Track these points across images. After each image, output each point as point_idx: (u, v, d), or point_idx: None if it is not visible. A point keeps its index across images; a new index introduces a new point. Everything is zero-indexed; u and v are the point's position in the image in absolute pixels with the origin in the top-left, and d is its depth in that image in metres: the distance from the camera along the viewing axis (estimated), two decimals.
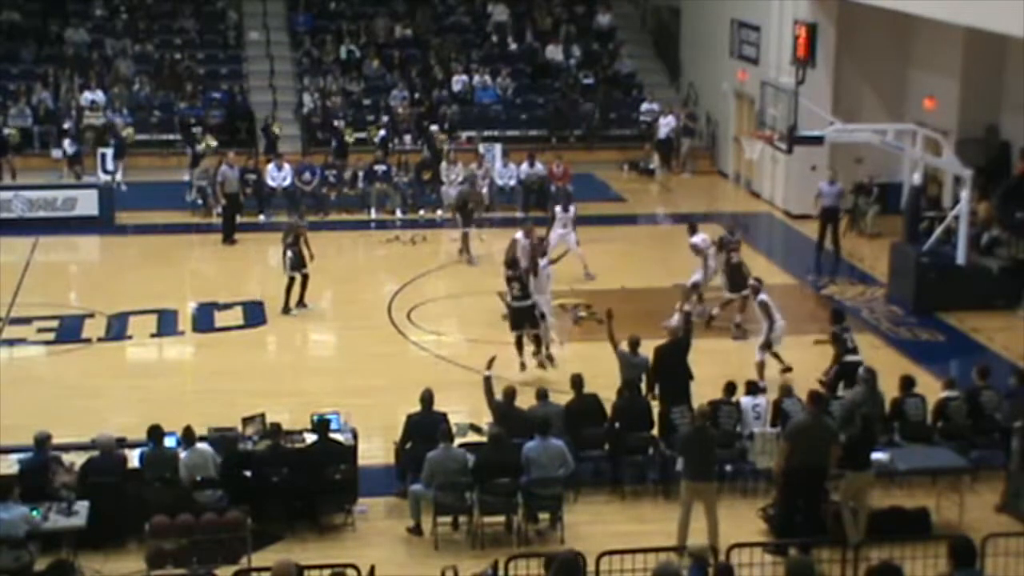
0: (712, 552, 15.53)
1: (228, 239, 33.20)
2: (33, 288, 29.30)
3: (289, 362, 25.98)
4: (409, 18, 46.26)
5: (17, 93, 40.67)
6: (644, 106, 42.83)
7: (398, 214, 35.90)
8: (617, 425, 20.02)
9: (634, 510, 19.32)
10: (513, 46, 45.62)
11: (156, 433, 18.39)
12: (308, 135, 41.18)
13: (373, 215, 35.87)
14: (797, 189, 36.25)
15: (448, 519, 18.50)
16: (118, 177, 37.26)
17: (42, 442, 18.07)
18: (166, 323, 27.29)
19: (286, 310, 27.67)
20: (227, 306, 28.29)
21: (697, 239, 27.73)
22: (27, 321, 27.18)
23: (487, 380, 19.83)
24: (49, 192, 35.13)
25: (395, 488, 19.37)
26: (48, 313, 27.66)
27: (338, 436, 19.07)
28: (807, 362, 24.22)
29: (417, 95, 42.62)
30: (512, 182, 37.14)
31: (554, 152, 38.71)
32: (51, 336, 26.55)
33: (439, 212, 35.68)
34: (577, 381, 20.41)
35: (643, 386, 21.29)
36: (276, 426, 19.05)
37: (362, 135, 40.10)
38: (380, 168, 36.46)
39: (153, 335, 26.85)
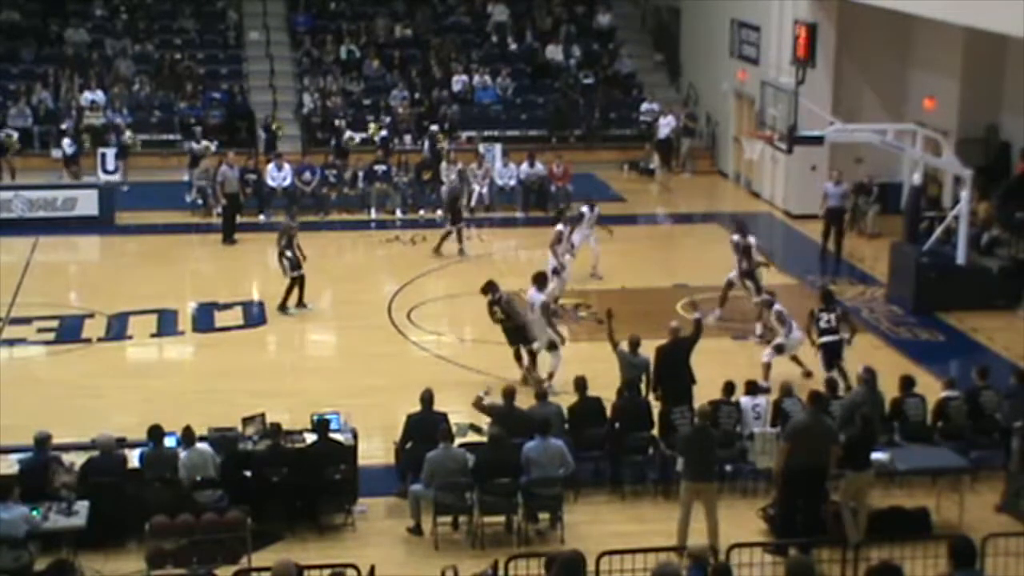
0: (712, 552, 15.56)
1: (228, 239, 33.20)
2: (33, 288, 29.30)
3: (289, 362, 25.99)
4: (409, 18, 46.27)
5: (17, 93, 40.67)
6: (644, 106, 42.84)
7: (398, 214, 35.91)
8: (617, 425, 20.02)
9: (634, 510, 19.33)
10: (513, 46, 45.62)
11: (156, 433, 18.40)
12: (308, 135, 41.18)
13: (373, 215, 35.88)
14: (797, 189, 36.27)
15: (448, 519, 18.51)
16: (118, 177, 37.23)
17: (42, 442, 18.07)
18: (166, 323, 27.30)
19: (283, 308, 27.67)
20: (227, 306, 28.30)
21: (735, 238, 27.54)
22: (27, 321, 27.19)
23: (480, 405, 19.84)
24: (49, 192, 35.15)
25: (395, 488, 19.38)
26: (48, 313, 27.67)
27: (338, 436, 19.08)
28: (808, 363, 24.21)
29: (417, 95, 42.62)
30: (512, 182, 37.15)
31: (554, 152, 38.73)
32: (51, 336, 26.55)
33: (439, 212, 35.68)
34: (580, 384, 20.42)
35: (643, 386, 21.28)
36: (276, 426, 19.05)
37: (362, 135, 40.07)
38: (380, 168, 36.47)
39: (153, 335, 26.87)
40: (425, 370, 23.84)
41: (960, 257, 28.15)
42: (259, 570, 15.36)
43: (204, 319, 27.66)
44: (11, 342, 26.29)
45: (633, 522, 18.77)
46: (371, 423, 20.93)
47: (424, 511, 18.29)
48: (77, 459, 18.25)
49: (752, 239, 27.30)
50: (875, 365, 20.69)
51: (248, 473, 18.66)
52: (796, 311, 27.79)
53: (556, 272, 27.46)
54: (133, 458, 18.46)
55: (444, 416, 19.37)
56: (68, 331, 26.85)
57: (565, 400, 20.56)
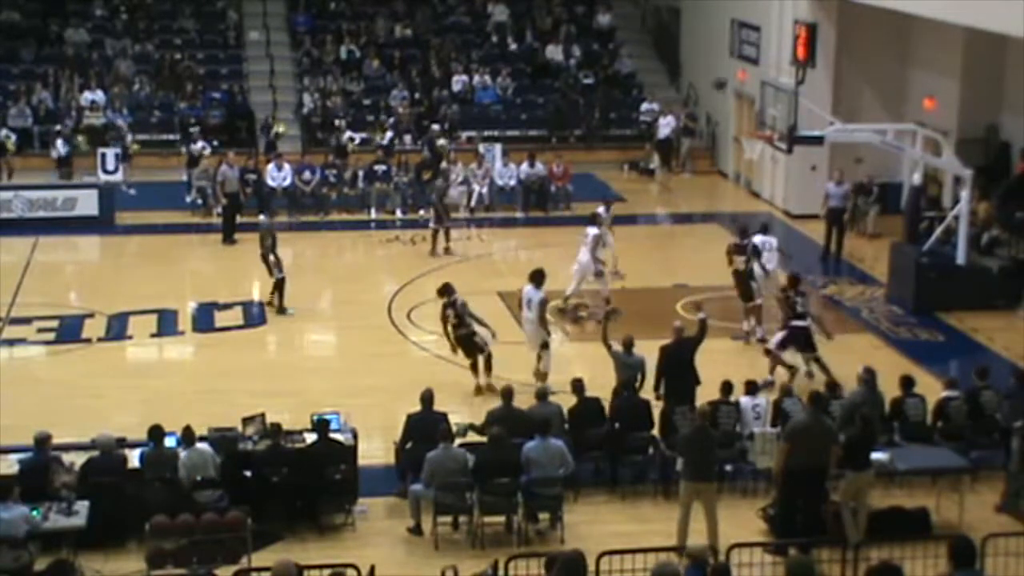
0: (712, 552, 15.56)
1: (228, 239, 33.20)
2: (33, 288, 29.30)
3: (289, 362, 25.98)
4: (409, 18, 46.26)
5: (17, 93, 40.67)
6: (644, 106, 42.84)
7: (398, 214, 35.91)
8: (617, 425, 20.02)
9: (634, 510, 19.33)
10: (513, 46, 45.62)
11: (156, 433, 18.40)
12: (308, 135, 41.18)
13: (373, 215, 35.87)
14: (797, 189, 36.28)
15: (448, 519, 18.51)
16: (119, 177, 37.20)
17: (42, 442, 18.07)
18: (166, 323, 27.31)
19: (282, 310, 27.69)
20: (227, 306, 28.30)
21: (756, 239, 27.49)
22: (27, 321, 27.19)
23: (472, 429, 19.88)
24: (49, 192, 35.18)
25: (395, 488, 19.38)
26: (48, 313, 27.67)
27: (338, 436, 19.08)
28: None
29: (417, 95, 42.62)
30: (512, 182, 37.15)
31: (554, 152, 38.74)
32: (51, 336, 26.56)
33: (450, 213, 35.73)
34: (578, 385, 20.42)
35: (638, 386, 21.25)
36: (276, 426, 19.05)
37: (362, 135, 40.07)
38: (380, 168, 36.48)
39: (153, 335, 26.87)
40: (425, 370, 23.84)
41: (960, 257, 28.14)
42: (259, 570, 15.35)
43: (204, 319, 27.66)
44: (11, 342, 26.30)
45: (633, 522, 18.78)
46: (371, 423, 20.93)
47: (424, 511, 18.29)
48: (77, 459, 18.25)
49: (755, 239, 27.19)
50: (875, 365, 20.69)
51: (248, 473, 18.67)
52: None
53: (600, 274, 27.66)
54: (133, 458, 18.46)
55: (444, 416, 19.38)
56: (68, 331, 26.86)
57: (563, 399, 20.51)
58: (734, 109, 40.50)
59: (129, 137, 38.88)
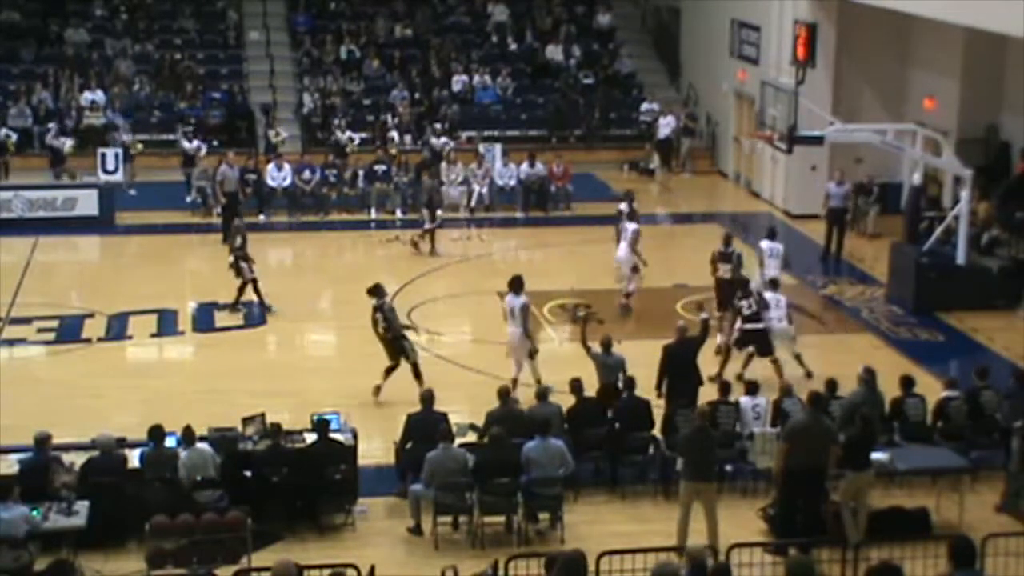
0: (712, 553, 15.56)
1: (228, 239, 33.17)
2: (33, 288, 29.30)
3: (289, 362, 25.97)
4: (409, 18, 46.27)
5: (17, 93, 40.68)
6: (644, 106, 42.84)
7: (398, 214, 35.91)
8: (617, 425, 20.02)
9: (634, 510, 19.33)
10: (513, 46, 45.62)
11: (157, 433, 18.40)
12: (308, 135, 41.18)
13: (373, 215, 35.87)
14: (797, 189, 36.29)
15: (448, 519, 18.51)
16: (119, 177, 37.17)
17: (42, 442, 18.08)
18: (166, 323, 27.31)
19: (265, 307, 27.63)
20: (227, 306, 28.25)
21: (763, 245, 27.44)
22: (27, 321, 27.20)
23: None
24: (49, 192, 35.19)
25: (395, 488, 19.38)
26: (48, 313, 27.67)
27: (338, 436, 19.08)
28: (806, 361, 24.23)
29: (417, 95, 42.61)
30: (512, 182, 37.14)
31: (554, 152, 38.72)
32: (51, 336, 26.56)
33: (439, 212, 35.68)
34: (577, 386, 20.41)
35: (621, 386, 21.17)
36: (276, 426, 19.05)
37: (362, 135, 40.10)
38: (380, 168, 36.47)
39: (153, 335, 26.87)
40: (425, 370, 23.79)
41: (960, 257, 28.15)
42: (259, 570, 15.35)
43: (204, 319, 27.66)
44: (11, 342, 26.30)
45: (633, 522, 18.78)
46: (371, 423, 20.93)
47: (424, 511, 18.30)
48: (77, 459, 18.25)
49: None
50: (875, 365, 20.68)
51: (248, 473, 18.67)
52: (797, 312, 27.94)
53: (636, 270, 27.73)
54: (133, 458, 18.47)
55: (444, 416, 19.38)
56: (68, 331, 26.86)
57: (562, 399, 20.49)
58: (734, 109, 40.50)
59: (128, 137, 38.78)
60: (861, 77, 35.83)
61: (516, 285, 23.41)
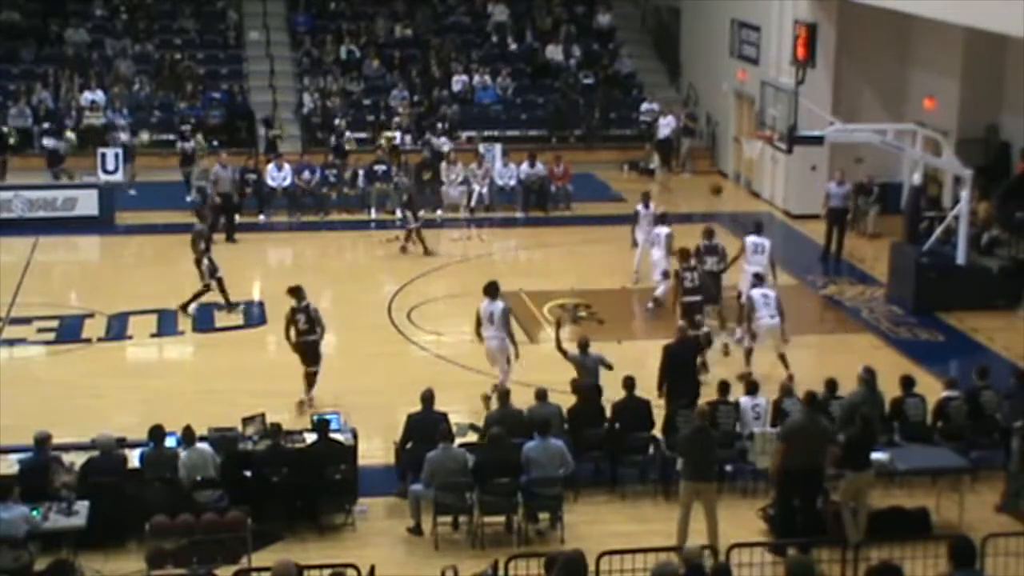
0: (712, 553, 15.58)
1: (229, 238, 33.20)
2: (33, 288, 29.30)
3: (289, 362, 25.86)
4: (409, 18, 46.27)
5: (17, 93, 40.69)
6: (644, 106, 42.84)
7: (398, 214, 35.89)
8: (617, 425, 20.03)
9: (634, 510, 19.34)
10: (513, 46, 45.63)
11: (157, 433, 18.41)
12: (308, 135, 41.19)
13: (373, 215, 35.87)
14: (797, 189, 36.29)
15: (448, 519, 18.51)
16: (119, 177, 37.19)
17: (42, 442, 18.08)
18: (166, 323, 27.30)
19: (184, 308, 27.63)
20: (224, 307, 28.26)
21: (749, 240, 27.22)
22: (27, 321, 27.19)
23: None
24: (49, 192, 35.19)
25: (395, 488, 19.38)
26: (48, 313, 27.67)
27: (338, 436, 19.09)
28: (806, 361, 24.24)
29: (417, 96, 42.61)
30: (512, 182, 37.13)
31: (554, 152, 38.71)
32: (51, 336, 26.56)
33: (439, 212, 35.74)
34: (577, 386, 20.42)
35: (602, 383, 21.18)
36: (276, 426, 19.07)
37: (361, 135, 40.14)
38: (380, 168, 36.48)
39: (153, 335, 26.87)
40: (425, 370, 23.82)
41: (960, 257, 28.14)
42: (259, 570, 15.37)
43: (204, 319, 27.65)
44: (11, 342, 26.30)
45: (633, 522, 18.78)
46: (371, 423, 20.93)
47: (424, 511, 18.30)
48: (77, 459, 18.27)
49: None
50: (875, 365, 20.68)
51: (248, 473, 18.67)
52: (797, 312, 27.98)
53: (666, 276, 27.48)
54: (133, 458, 18.48)
55: (444, 416, 19.39)
56: (68, 331, 26.86)
57: (561, 399, 20.49)
58: (734, 109, 40.50)
59: (125, 135, 38.73)
60: (861, 77, 35.83)
61: (492, 291, 22.82)
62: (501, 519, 18.59)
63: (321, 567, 14.47)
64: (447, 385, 21.95)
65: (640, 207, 30.19)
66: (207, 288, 27.69)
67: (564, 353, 21.75)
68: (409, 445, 19.31)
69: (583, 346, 21.65)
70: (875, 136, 30.08)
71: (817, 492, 18.09)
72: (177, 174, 37.26)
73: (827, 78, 34.61)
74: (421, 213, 32.78)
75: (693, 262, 24.77)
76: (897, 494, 19.26)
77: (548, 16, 46.76)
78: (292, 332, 22.90)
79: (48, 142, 37.74)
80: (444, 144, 38.64)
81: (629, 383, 20.55)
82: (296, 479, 18.57)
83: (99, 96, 40.75)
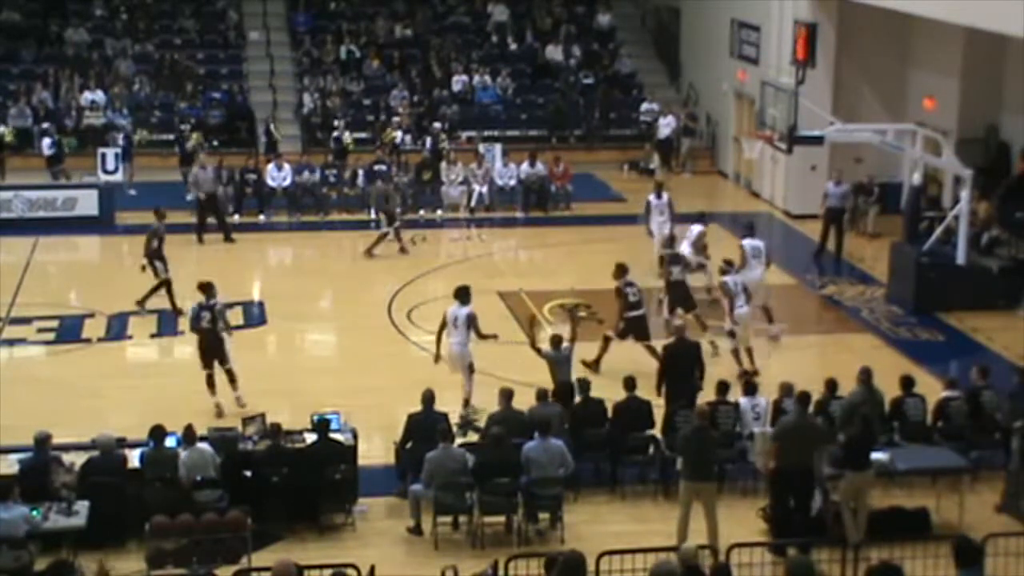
0: (712, 552, 15.57)
1: (227, 238, 33.25)
2: (33, 288, 29.30)
3: (289, 362, 25.97)
4: (409, 18, 46.28)
5: (17, 93, 40.71)
6: (644, 106, 42.85)
7: (372, 215, 35.90)
8: (615, 425, 20.04)
9: (634, 510, 19.32)
10: (513, 46, 45.63)
11: (158, 433, 18.42)
12: (308, 135, 41.20)
13: (373, 215, 35.85)
14: (797, 189, 36.29)
15: (448, 519, 18.51)
16: (119, 177, 37.23)
17: (42, 442, 18.08)
18: (166, 323, 27.28)
19: (141, 303, 27.64)
20: (227, 306, 28.19)
21: (745, 243, 27.28)
22: (27, 321, 27.19)
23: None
24: (49, 192, 35.17)
25: (395, 488, 19.37)
26: (48, 313, 27.67)
27: (338, 436, 19.08)
28: (806, 361, 24.23)
29: (417, 96, 42.61)
30: (512, 182, 37.12)
31: (554, 152, 38.69)
32: (51, 336, 26.55)
33: (439, 212, 35.74)
34: (584, 385, 20.40)
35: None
36: (276, 426, 19.06)
37: (361, 135, 40.16)
38: (380, 168, 36.50)
39: (153, 335, 26.86)
40: (425, 370, 23.76)
41: (960, 257, 28.13)
42: (259, 570, 15.36)
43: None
44: (11, 342, 26.31)
45: (633, 522, 18.77)
46: (371, 423, 20.93)
47: (424, 511, 18.30)
48: (77, 459, 18.26)
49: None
50: (875, 365, 20.69)
51: (248, 473, 18.66)
52: (796, 311, 28.04)
53: (702, 266, 27.94)
54: (133, 458, 18.49)
55: (444, 416, 19.39)
56: (68, 331, 26.86)
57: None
58: (734, 109, 40.49)
59: (124, 135, 38.72)
60: (861, 77, 35.83)
61: (462, 295, 22.54)
62: (501, 519, 18.58)
63: (321, 567, 14.46)
64: (447, 385, 21.89)
65: (652, 197, 30.19)
66: (167, 283, 27.57)
67: (538, 351, 21.78)
68: (409, 445, 19.30)
69: (556, 343, 21.69)
70: (875, 136, 30.08)
71: (812, 491, 18.09)
72: (177, 174, 37.23)
73: (827, 78, 34.61)
74: (397, 211, 32.73)
75: (630, 278, 24.57)
76: (897, 494, 19.22)
77: (548, 16, 46.77)
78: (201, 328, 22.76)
79: (45, 145, 37.57)
80: (443, 140, 38.62)
81: (630, 383, 20.56)
82: (296, 479, 18.56)
83: (99, 96, 40.79)
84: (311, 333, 27.83)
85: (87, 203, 34.79)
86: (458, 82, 43.35)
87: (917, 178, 30.34)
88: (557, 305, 28.00)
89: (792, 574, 12.34)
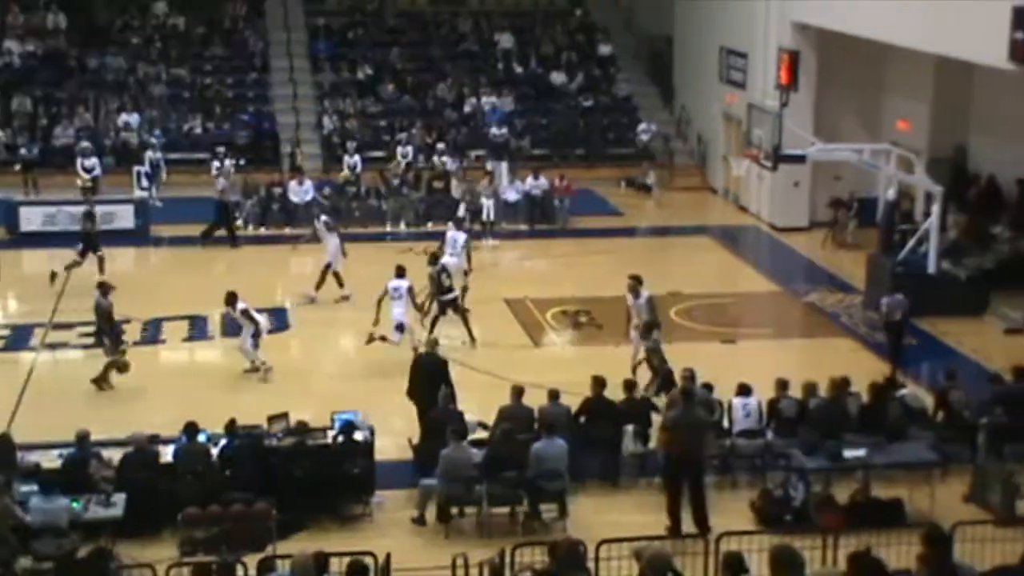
0: (701, 529, 15.67)
1: (234, 244, 34.09)
2: (75, 296, 29.25)
3: (312, 364, 25.94)
4: (422, 46, 46.31)
5: (59, 116, 40.85)
6: (641, 127, 42.90)
7: (402, 226, 35.96)
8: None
9: (635, 502, 19.30)
10: (519, 70, 45.62)
11: (191, 429, 18.50)
12: (328, 153, 41.23)
13: (388, 228, 35.85)
14: (781, 204, 36.35)
15: (456, 510, 18.51)
16: (153, 193, 37.37)
17: (82, 439, 18.16)
18: (197, 328, 27.32)
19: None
20: (257, 312, 28.21)
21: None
22: (69, 327, 27.18)
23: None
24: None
25: (411, 482, 19.35)
26: (88, 319, 27.59)
27: (356, 433, 19.10)
28: (789, 362, 24.23)
29: (428, 118, 42.57)
30: (518, 197, 37.06)
31: (558, 169, 38.65)
32: (91, 340, 26.50)
33: (450, 224, 35.75)
34: (599, 381, 20.29)
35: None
36: (301, 424, 19.11)
37: (379, 154, 40.21)
38: (395, 183, 36.50)
39: (185, 339, 26.88)
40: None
41: (931, 267, 28.13)
42: (283, 557, 15.35)
43: (233, 325, 27.59)
44: (54, 346, 26.35)
45: (633, 513, 18.70)
46: (388, 421, 20.91)
47: (431, 503, 18.34)
48: (115, 455, 18.32)
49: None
50: (854, 367, 20.82)
51: (274, 467, 18.68)
52: (780, 317, 28.03)
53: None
54: (166, 454, 18.53)
55: (460, 415, 19.45)
56: None
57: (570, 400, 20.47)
58: (723, 130, 40.48)
59: (159, 155, 38.70)
60: (840, 101, 35.82)
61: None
62: (508, 510, 18.58)
63: (341, 555, 14.46)
64: (458, 386, 21.90)
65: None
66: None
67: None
68: (426, 442, 19.32)
69: (432, 344, 22.00)
70: (853, 155, 30.13)
71: (701, 477, 18.22)
72: (206, 191, 37.24)
73: (809, 101, 34.61)
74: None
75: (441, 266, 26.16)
76: (874, 486, 19.19)
77: (551, 44, 46.77)
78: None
79: (91, 165, 37.58)
80: (449, 163, 38.60)
81: (629, 385, 20.60)
82: (318, 473, 18.59)
83: (134, 118, 40.88)
84: (333, 337, 27.80)
85: (124, 217, 34.83)
86: (468, 104, 43.36)
87: (892, 194, 30.31)
88: (559, 312, 28.00)
89: (777, 560, 12.29)
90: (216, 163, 36.94)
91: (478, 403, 21.57)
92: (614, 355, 24.00)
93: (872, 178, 33.46)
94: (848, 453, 18.82)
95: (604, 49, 46.84)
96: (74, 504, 16.98)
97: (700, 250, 34.61)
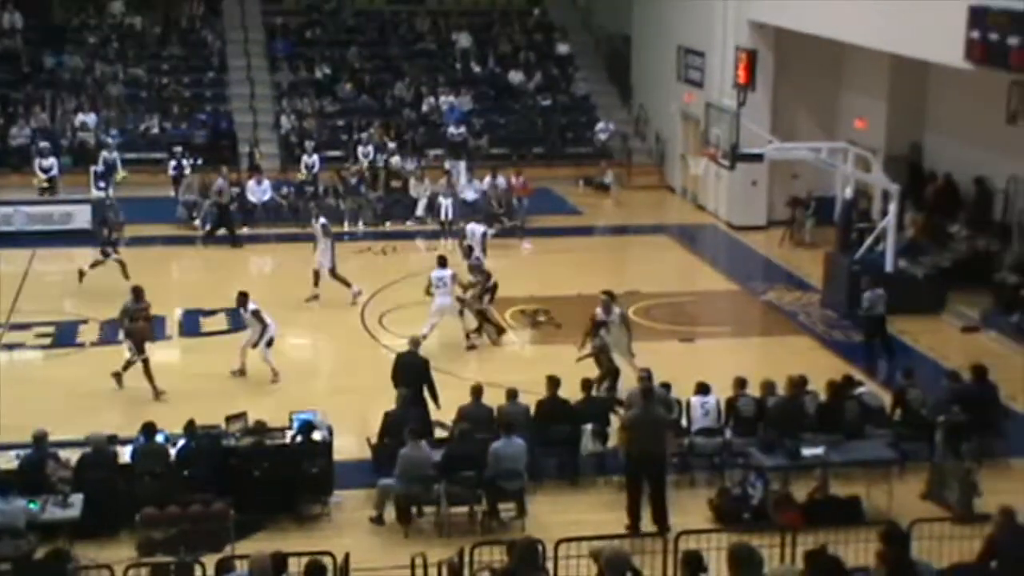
0: (660, 527, 15.65)
1: (235, 244, 34.11)
2: (31, 296, 29.14)
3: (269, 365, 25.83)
4: (380, 45, 46.22)
5: (16, 116, 40.59)
6: (599, 126, 42.94)
7: (360, 226, 35.90)
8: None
9: (593, 501, 19.31)
10: (477, 70, 45.60)
11: (149, 429, 18.41)
12: (286, 153, 41.11)
13: (346, 227, 35.79)
14: (739, 202, 36.44)
15: (415, 509, 18.47)
16: (109, 192, 37.15)
17: (40, 439, 18.06)
18: (156, 328, 27.06)
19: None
20: (211, 312, 28.17)
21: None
22: (26, 327, 27.05)
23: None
24: (46, 207, 35.05)
25: (370, 481, 19.31)
26: (45, 319, 27.52)
27: (315, 433, 19.04)
28: (748, 360, 24.29)
29: (387, 118, 42.47)
30: (476, 196, 37.02)
31: (515, 168, 38.62)
32: (48, 341, 26.44)
33: (408, 223, 35.75)
34: (554, 382, 20.28)
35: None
36: (259, 423, 19.03)
37: (336, 153, 40.12)
38: (353, 183, 36.45)
39: None
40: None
41: (888, 265, 28.24)
42: (241, 557, 15.29)
43: (190, 324, 27.54)
44: (11, 346, 26.19)
45: (592, 511, 18.73)
46: (346, 421, 20.85)
47: (390, 502, 18.29)
48: (72, 455, 18.21)
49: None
50: (811, 364, 20.88)
51: (231, 467, 18.61)
52: (739, 315, 28.10)
53: None
54: (124, 454, 18.44)
55: (422, 414, 19.43)
56: (64, 336, 26.75)
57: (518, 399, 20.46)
58: (681, 129, 40.56)
59: (110, 153, 38.44)
60: (797, 99, 35.96)
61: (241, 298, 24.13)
62: (466, 509, 18.55)
63: (299, 555, 14.41)
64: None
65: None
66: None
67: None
68: (384, 442, 19.28)
69: (415, 342, 21.96)
70: (810, 154, 30.24)
71: (662, 474, 18.25)
72: (164, 190, 37.09)
73: (766, 100, 34.73)
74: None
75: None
76: (832, 484, 19.25)
77: (509, 43, 46.77)
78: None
79: (44, 167, 37.33)
80: (408, 164, 38.56)
81: (587, 384, 20.61)
82: (276, 473, 18.53)
83: (91, 118, 40.67)
84: (290, 337, 27.61)
85: (81, 217, 34.63)
86: (425, 104, 43.29)
87: (849, 192, 30.49)
88: (518, 311, 28.01)
89: (735, 558, 12.33)
90: (173, 163, 36.81)
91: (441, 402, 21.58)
92: (572, 355, 23.99)
93: (829, 177, 33.60)
94: (806, 451, 18.89)
95: (562, 48, 46.91)
96: (31, 505, 16.87)
97: (658, 249, 34.67)
